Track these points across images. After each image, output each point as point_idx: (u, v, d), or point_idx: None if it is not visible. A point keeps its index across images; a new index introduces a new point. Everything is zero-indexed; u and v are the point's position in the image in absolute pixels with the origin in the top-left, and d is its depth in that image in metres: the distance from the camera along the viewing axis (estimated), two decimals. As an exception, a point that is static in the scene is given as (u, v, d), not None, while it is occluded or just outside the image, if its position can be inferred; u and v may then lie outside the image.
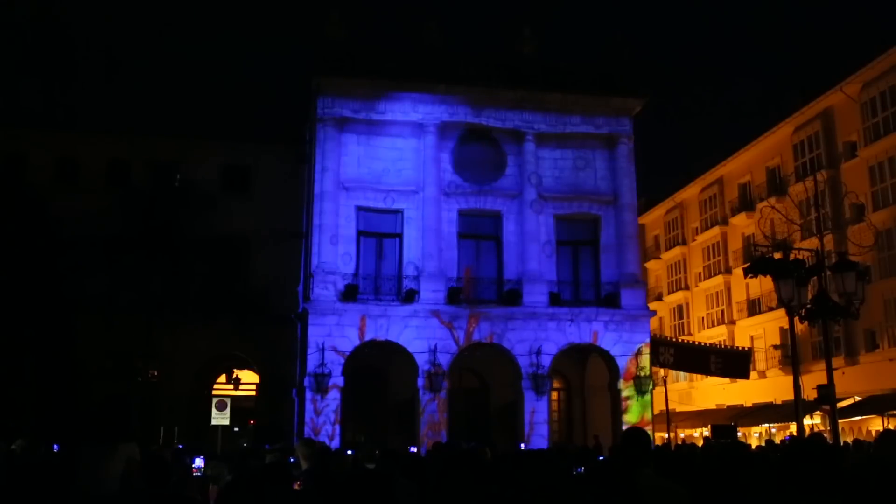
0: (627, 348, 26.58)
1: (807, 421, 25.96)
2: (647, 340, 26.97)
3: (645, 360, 26.62)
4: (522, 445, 23.40)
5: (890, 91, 30.85)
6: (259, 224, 28.18)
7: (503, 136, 27.63)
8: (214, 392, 28.08)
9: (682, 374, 39.59)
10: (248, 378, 29.88)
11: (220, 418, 22.48)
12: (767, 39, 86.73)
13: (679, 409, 37.10)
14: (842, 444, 17.37)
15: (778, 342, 35.67)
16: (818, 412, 27.82)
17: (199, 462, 12.73)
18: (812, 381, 19.15)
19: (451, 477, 6.06)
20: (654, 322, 33.84)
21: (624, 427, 24.53)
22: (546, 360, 25.96)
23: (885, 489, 5.04)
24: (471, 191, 27.16)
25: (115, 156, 29.34)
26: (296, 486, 7.56)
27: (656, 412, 28.70)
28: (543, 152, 27.69)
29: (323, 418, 24.30)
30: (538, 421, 25.70)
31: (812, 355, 31.66)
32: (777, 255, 15.78)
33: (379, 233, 26.78)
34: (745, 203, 39.32)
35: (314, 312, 24.96)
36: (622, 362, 26.53)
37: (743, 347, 30.91)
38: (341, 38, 26.86)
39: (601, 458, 14.09)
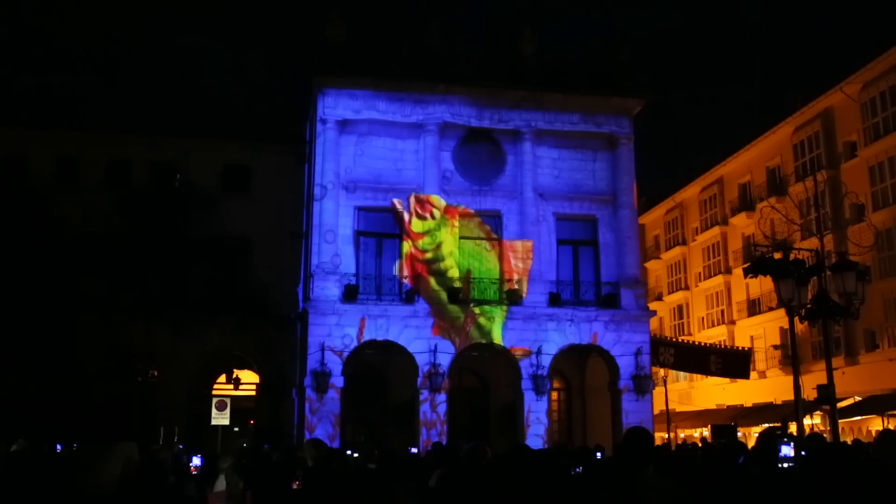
0: (627, 348, 26.57)
1: (807, 421, 25.95)
2: (648, 340, 26.97)
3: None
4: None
5: (890, 91, 30.85)
6: (259, 224, 28.15)
7: (503, 136, 27.60)
8: (214, 392, 28.06)
9: (682, 374, 39.58)
10: (248, 378, 29.86)
11: (220, 418, 22.50)
12: (767, 39, 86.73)
13: (679, 409, 37.09)
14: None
15: (778, 342, 35.65)
16: (818, 412, 27.82)
17: (196, 461, 12.72)
18: (812, 381, 19.16)
19: (453, 478, 6.06)
20: (654, 322, 33.84)
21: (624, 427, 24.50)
22: (546, 360, 25.95)
23: (886, 490, 5.03)
24: (471, 191, 27.14)
25: (116, 155, 29.32)
26: (295, 486, 7.57)
27: (656, 412, 28.69)
28: (543, 152, 27.66)
29: (323, 418, 24.27)
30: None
31: (812, 355, 31.64)
32: (777, 255, 15.78)
33: (379, 233, 26.77)
34: (745, 203, 39.31)
35: (314, 312, 24.94)
36: (622, 362, 26.52)
37: (743, 347, 30.90)
38: (341, 38, 26.82)
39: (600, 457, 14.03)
